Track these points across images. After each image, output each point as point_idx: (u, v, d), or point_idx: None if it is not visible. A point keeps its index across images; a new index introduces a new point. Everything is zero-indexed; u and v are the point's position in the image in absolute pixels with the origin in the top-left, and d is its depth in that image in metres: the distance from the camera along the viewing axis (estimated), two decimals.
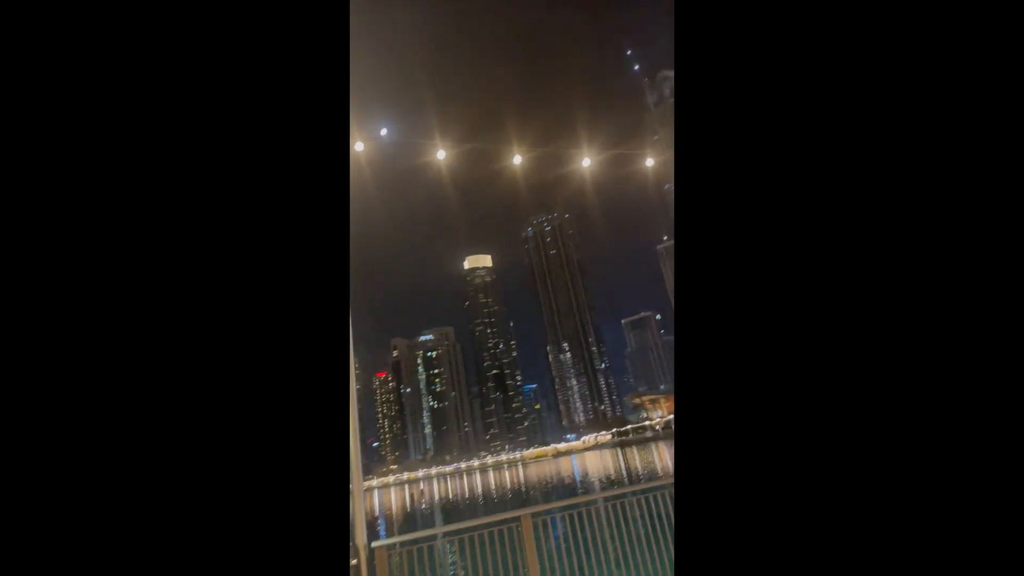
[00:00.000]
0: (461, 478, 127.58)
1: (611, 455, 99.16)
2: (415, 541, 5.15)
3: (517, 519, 5.44)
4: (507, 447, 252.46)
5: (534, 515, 5.47)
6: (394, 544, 5.06)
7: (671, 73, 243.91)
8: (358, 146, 8.89)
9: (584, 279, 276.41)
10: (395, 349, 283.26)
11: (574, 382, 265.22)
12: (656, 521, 5.93)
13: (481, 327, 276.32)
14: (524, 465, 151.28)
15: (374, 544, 4.83)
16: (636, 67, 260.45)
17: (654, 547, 5.85)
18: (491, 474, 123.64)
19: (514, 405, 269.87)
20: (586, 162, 11.75)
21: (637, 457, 73.15)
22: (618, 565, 5.86)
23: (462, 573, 5.53)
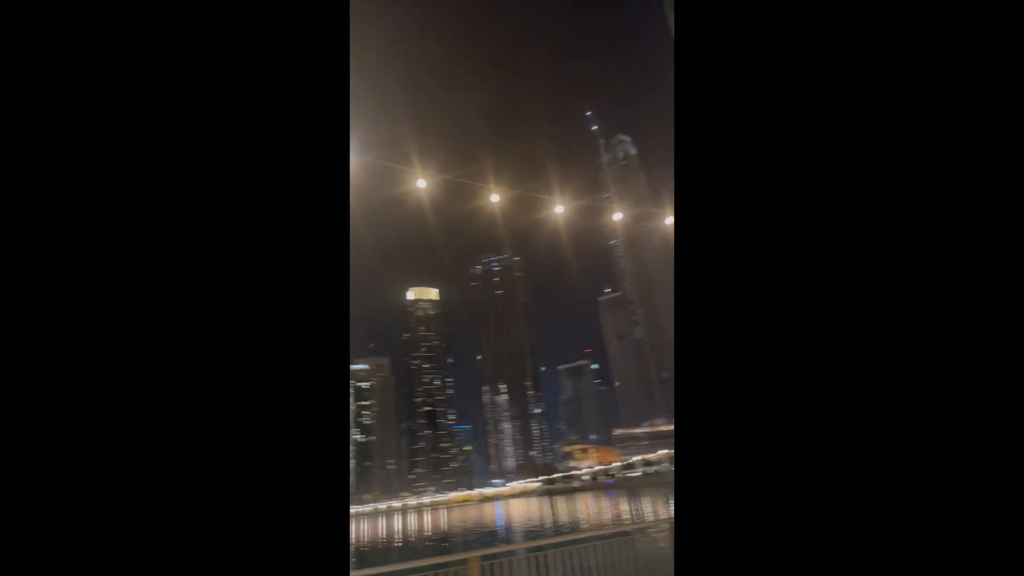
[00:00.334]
0: (376, 519, 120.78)
1: (537, 503, 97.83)
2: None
3: (464, 562, 5.52)
4: (432, 488, 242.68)
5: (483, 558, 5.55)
6: None
7: (626, 138, 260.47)
8: None
9: (527, 321, 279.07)
10: None
11: (507, 425, 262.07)
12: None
13: (418, 361, 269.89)
14: (448, 509, 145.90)
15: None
16: (594, 127, 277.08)
17: None
18: (411, 517, 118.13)
19: (443, 444, 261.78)
20: (559, 209, 12.41)
21: (563, 507, 72.73)
22: None
23: None
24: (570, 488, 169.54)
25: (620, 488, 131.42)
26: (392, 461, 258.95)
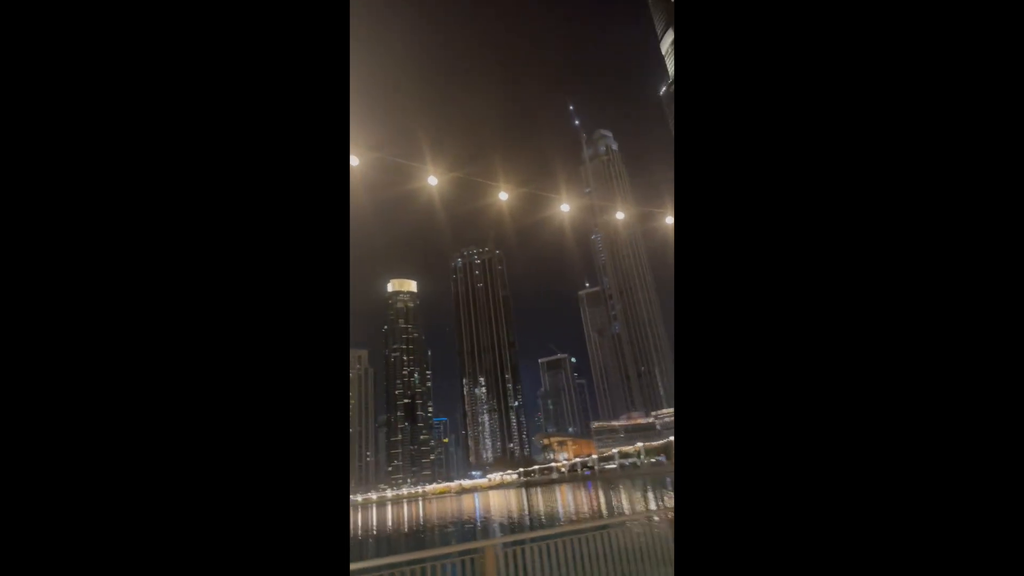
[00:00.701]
0: (355, 511, 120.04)
1: (516, 495, 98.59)
2: (367, 570, 5.03)
3: (480, 550, 5.49)
4: (409, 480, 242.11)
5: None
6: (357, 570, 4.91)
7: (608, 133, 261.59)
8: None
9: (507, 315, 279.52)
10: None
11: (486, 418, 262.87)
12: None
13: (397, 353, 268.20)
14: (425, 500, 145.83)
15: (354, 566, 4.71)
16: (576, 122, 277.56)
17: None
18: (389, 509, 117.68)
19: (422, 437, 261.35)
20: (503, 195, 12.07)
21: (541, 498, 73.40)
22: None
23: None
24: (548, 480, 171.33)
25: (597, 480, 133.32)
26: (370, 453, 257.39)
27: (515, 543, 5.80)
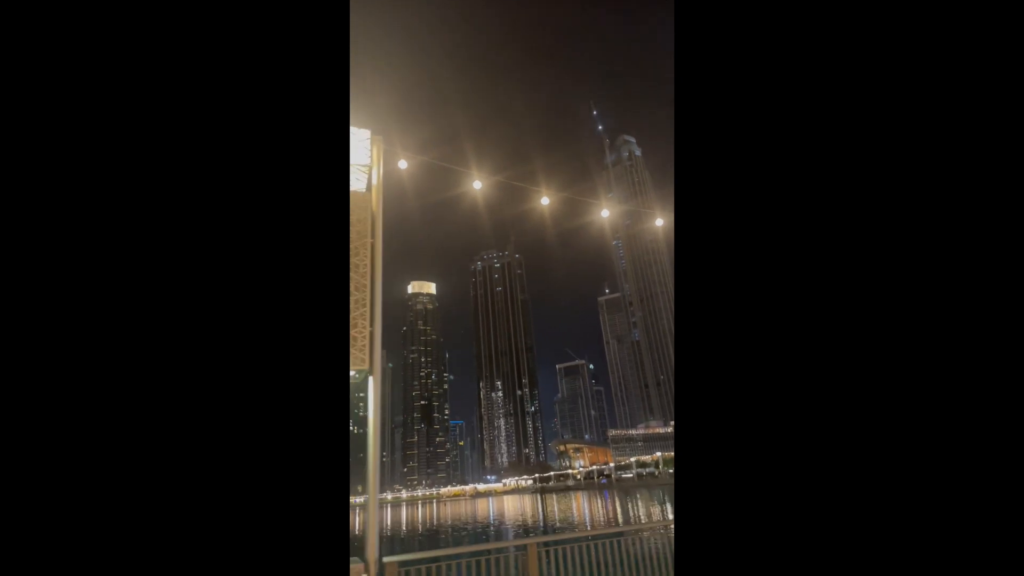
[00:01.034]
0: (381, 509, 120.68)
1: (531, 500, 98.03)
2: (422, 560, 5.05)
3: (524, 547, 5.46)
4: (424, 482, 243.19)
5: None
6: (404, 561, 4.96)
7: (631, 138, 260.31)
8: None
9: (525, 319, 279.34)
10: None
11: (502, 422, 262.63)
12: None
13: (415, 355, 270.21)
14: (441, 503, 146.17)
15: (386, 559, 4.78)
16: (600, 127, 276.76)
17: None
18: (404, 509, 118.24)
19: (438, 439, 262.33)
20: (544, 200, 12.02)
21: (558, 505, 72.87)
22: None
23: None
24: (564, 487, 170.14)
25: (614, 488, 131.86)
26: (385, 453, 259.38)
27: (549, 543, 5.76)
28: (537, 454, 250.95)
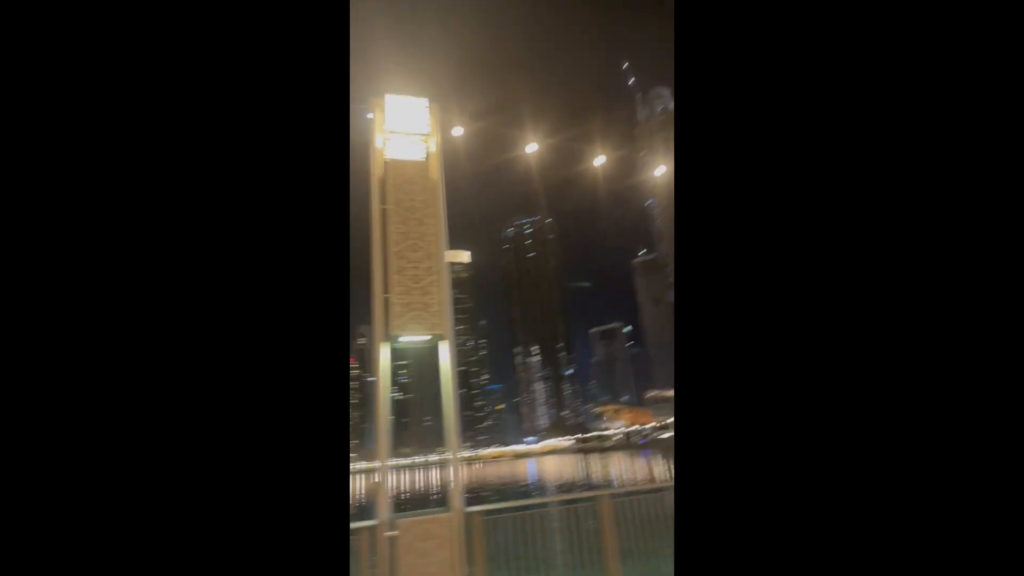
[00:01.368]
0: (415, 472, 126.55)
1: (572, 460, 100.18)
2: (504, 510, 5.35)
3: (593, 498, 5.68)
4: (467, 444, 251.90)
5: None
6: (488, 511, 5.29)
7: (667, 91, 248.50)
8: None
9: (559, 284, 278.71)
10: (362, 337, 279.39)
11: (539, 386, 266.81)
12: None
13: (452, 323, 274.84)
14: (483, 463, 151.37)
15: (468, 509, 5.09)
16: (631, 80, 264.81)
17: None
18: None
19: (477, 403, 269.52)
20: (599, 160, 11.66)
21: (598, 463, 74.22)
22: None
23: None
24: (603, 447, 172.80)
25: (653, 448, 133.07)
26: (428, 418, 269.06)
27: (617, 495, 5.88)
28: (575, 416, 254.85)
